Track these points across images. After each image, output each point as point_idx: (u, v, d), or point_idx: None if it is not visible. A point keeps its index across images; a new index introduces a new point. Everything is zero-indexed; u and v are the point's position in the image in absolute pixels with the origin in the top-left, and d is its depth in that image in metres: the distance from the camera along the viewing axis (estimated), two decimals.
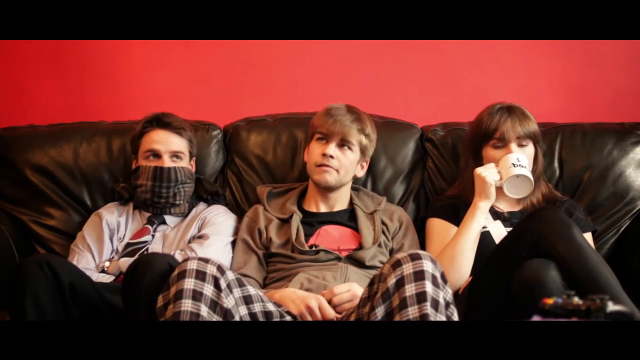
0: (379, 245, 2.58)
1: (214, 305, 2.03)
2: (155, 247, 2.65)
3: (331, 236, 2.62)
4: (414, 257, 2.02)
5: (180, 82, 3.24)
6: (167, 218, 2.73)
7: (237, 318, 2.09)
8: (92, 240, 2.66)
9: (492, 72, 3.21)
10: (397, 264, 2.02)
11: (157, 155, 2.70)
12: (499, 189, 2.53)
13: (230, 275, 2.10)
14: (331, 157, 2.59)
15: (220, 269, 2.06)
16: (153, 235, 2.67)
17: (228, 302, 2.06)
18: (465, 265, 2.47)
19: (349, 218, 2.67)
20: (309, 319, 2.25)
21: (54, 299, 2.16)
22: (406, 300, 1.96)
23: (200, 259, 2.06)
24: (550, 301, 1.52)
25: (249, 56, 3.23)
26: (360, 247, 2.57)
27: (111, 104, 3.23)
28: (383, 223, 2.65)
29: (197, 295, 2.00)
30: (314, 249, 2.55)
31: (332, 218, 2.67)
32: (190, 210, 2.76)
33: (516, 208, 2.67)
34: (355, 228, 2.63)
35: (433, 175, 2.89)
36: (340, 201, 2.70)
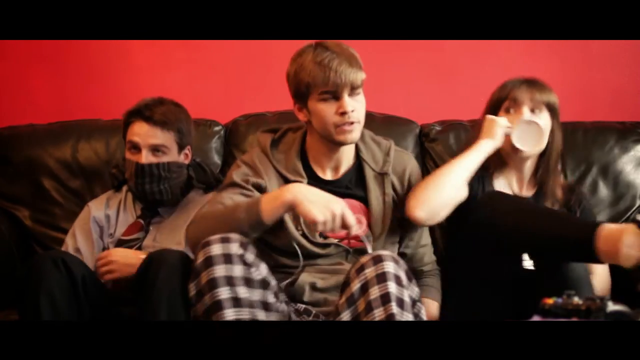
0: (390, 230, 2.37)
1: (248, 281, 2.01)
2: (149, 243, 2.59)
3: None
4: (377, 260, 2.00)
5: (180, 82, 3.24)
6: (160, 210, 2.66)
7: (273, 284, 2.09)
8: (81, 240, 2.62)
9: (492, 72, 3.21)
10: (361, 269, 2.01)
11: (137, 148, 2.59)
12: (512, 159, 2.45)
13: (251, 249, 2.07)
14: (352, 111, 2.28)
15: (242, 244, 2.04)
16: (146, 230, 2.62)
17: (261, 271, 2.05)
18: (445, 195, 2.31)
19: (356, 182, 2.39)
20: (329, 227, 2.07)
21: (69, 297, 2.14)
22: (371, 303, 1.96)
23: (222, 238, 2.02)
24: (550, 301, 1.53)
25: (249, 56, 3.23)
26: (370, 231, 2.35)
27: (112, 105, 3.22)
28: (393, 187, 2.41)
29: (230, 280, 1.98)
30: (324, 240, 2.32)
31: (338, 187, 2.37)
32: (183, 197, 2.68)
33: (530, 192, 2.54)
34: (363, 199, 2.38)
35: None
36: (346, 155, 2.39)
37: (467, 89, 3.20)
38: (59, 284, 2.13)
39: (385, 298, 1.95)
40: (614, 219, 2.79)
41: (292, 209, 2.10)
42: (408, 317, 1.97)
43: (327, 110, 2.28)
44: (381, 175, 2.39)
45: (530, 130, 2.36)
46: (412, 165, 2.46)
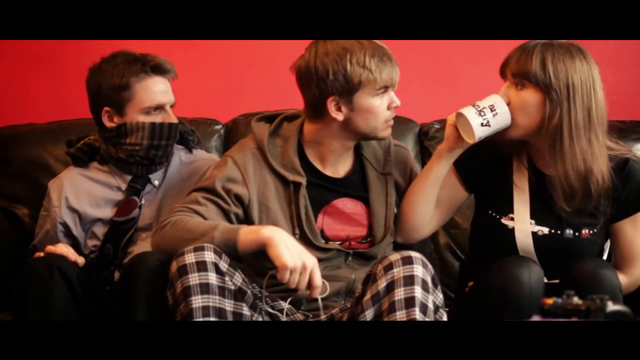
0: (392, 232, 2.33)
1: (222, 290, 2.00)
2: (146, 222, 2.44)
3: (340, 216, 2.29)
4: (406, 261, 1.99)
5: (180, 82, 3.24)
6: (152, 177, 2.48)
7: (249, 294, 2.07)
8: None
9: (491, 72, 3.21)
10: (389, 267, 2.00)
11: (161, 109, 2.40)
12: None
13: (225, 257, 2.05)
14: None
15: (216, 251, 2.02)
16: (140, 206, 2.44)
17: (235, 280, 2.04)
18: (413, 211, 2.29)
19: (359, 183, 2.32)
20: (296, 279, 2.00)
21: (68, 306, 2.13)
22: (395, 304, 1.96)
23: (195, 248, 2.01)
24: (550, 301, 1.52)
25: (249, 56, 3.23)
26: (371, 233, 2.31)
27: None
28: (396, 185, 2.35)
29: (204, 288, 1.98)
30: (327, 244, 2.25)
31: (344, 187, 2.30)
32: (169, 158, 2.50)
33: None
34: (365, 200, 2.31)
35: None
36: (351, 152, 2.33)
37: (467, 88, 3.20)
38: (58, 294, 2.11)
39: (409, 302, 1.95)
40: None
41: (265, 248, 2.04)
42: None
43: (381, 105, 2.23)
44: (384, 176, 2.33)
45: (461, 122, 2.23)
46: (411, 164, 2.44)
